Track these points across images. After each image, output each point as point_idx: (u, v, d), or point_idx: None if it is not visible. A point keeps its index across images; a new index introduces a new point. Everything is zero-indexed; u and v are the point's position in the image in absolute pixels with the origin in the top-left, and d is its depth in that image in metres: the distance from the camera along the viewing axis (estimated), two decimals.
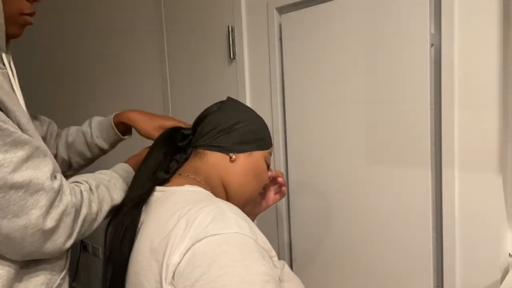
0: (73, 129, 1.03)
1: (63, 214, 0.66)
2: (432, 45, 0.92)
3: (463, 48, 0.87)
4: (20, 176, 0.61)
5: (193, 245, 0.60)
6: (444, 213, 0.93)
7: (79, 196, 0.71)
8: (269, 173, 0.91)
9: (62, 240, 0.67)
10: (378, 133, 1.02)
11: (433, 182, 0.95)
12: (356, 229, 1.09)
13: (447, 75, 0.89)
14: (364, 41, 1.02)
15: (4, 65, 0.71)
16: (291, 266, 1.27)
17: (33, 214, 0.62)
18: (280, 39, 1.21)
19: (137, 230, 0.74)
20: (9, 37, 0.72)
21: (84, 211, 0.71)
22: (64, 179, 0.70)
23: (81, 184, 0.75)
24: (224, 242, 0.60)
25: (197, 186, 0.75)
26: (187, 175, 0.78)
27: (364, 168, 1.05)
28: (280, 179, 0.94)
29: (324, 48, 1.10)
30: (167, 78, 1.59)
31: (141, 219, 0.74)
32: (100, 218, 0.76)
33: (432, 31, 0.91)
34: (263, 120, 0.87)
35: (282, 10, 1.20)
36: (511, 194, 0.90)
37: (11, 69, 0.72)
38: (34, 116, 0.97)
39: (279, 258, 0.69)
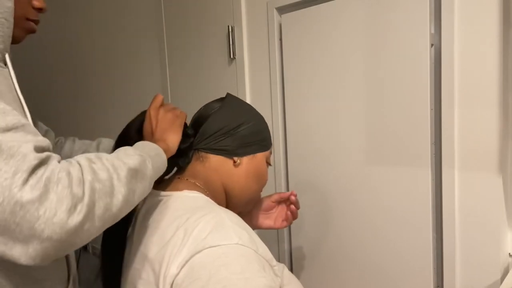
0: (78, 145, 0.98)
1: (48, 181, 0.50)
2: (432, 45, 0.92)
3: (463, 48, 0.87)
4: None
5: (191, 257, 0.59)
6: (444, 213, 0.93)
7: (74, 163, 0.55)
8: (292, 197, 0.92)
9: (62, 215, 0.49)
10: (378, 133, 1.02)
11: (433, 182, 0.95)
12: (356, 229, 1.09)
13: (447, 75, 0.89)
14: (364, 41, 1.02)
15: (5, 65, 0.70)
16: (291, 266, 1.27)
17: (5, 181, 0.48)
18: (280, 39, 1.21)
19: (127, 237, 0.74)
20: (12, 40, 0.71)
21: (88, 177, 0.54)
22: (56, 155, 0.56)
23: (76, 158, 0.60)
24: (223, 254, 0.59)
25: (196, 192, 0.74)
26: (186, 179, 0.77)
27: (364, 168, 1.05)
28: (292, 207, 0.94)
29: (324, 48, 1.10)
30: (167, 78, 1.59)
31: (137, 224, 0.74)
32: (122, 188, 0.57)
33: (432, 31, 0.91)
34: (263, 118, 0.85)
35: (282, 10, 1.20)
36: (511, 194, 0.90)
37: (12, 70, 0.71)
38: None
39: (279, 259, 0.69)
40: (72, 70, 2.08)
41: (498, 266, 0.88)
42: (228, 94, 0.84)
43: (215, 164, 0.77)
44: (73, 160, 0.56)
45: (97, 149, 0.95)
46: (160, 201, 0.73)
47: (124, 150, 0.65)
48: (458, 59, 0.88)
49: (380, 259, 1.05)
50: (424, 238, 0.96)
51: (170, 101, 1.58)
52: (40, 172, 0.50)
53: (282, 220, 0.96)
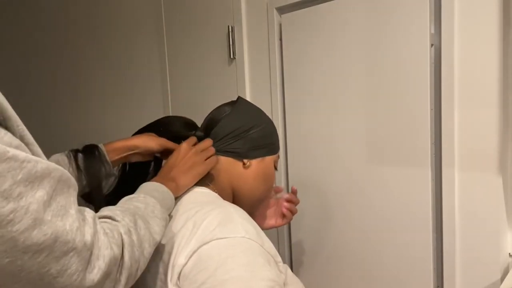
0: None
1: (104, 278, 0.46)
2: (432, 45, 0.92)
3: (463, 48, 0.87)
4: (42, 234, 0.40)
5: (199, 247, 0.60)
6: (444, 213, 0.93)
7: (119, 242, 0.51)
8: (286, 195, 0.93)
9: None
10: (378, 133, 1.02)
11: (433, 182, 0.95)
12: (356, 229, 1.09)
13: (447, 75, 0.89)
14: (364, 41, 1.02)
15: None
16: (291, 267, 1.27)
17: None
18: (280, 39, 1.21)
19: None
20: None
21: (128, 263, 0.51)
22: (96, 219, 0.49)
23: (118, 223, 0.54)
24: (230, 246, 0.60)
25: (205, 188, 0.76)
26: None
27: (364, 168, 1.05)
28: (286, 204, 0.94)
29: (324, 48, 1.10)
30: (167, 78, 1.59)
31: None
32: (143, 265, 0.56)
33: (432, 31, 0.91)
34: (272, 122, 0.87)
35: (282, 10, 1.20)
36: (511, 194, 0.90)
37: None
38: None
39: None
40: (70, 70, 2.08)
41: (498, 266, 0.88)
42: (239, 98, 0.86)
43: (225, 166, 0.79)
44: (115, 232, 0.52)
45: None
46: None
47: (153, 206, 0.63)
48: (458, 59, 0.88)
49: (380, 259, 1.05)
50: (424, 238, 0.96)
51: (170, 102, 1.58)
52: (93, 265, 0.46)
53: (282, 218, 0.96)
